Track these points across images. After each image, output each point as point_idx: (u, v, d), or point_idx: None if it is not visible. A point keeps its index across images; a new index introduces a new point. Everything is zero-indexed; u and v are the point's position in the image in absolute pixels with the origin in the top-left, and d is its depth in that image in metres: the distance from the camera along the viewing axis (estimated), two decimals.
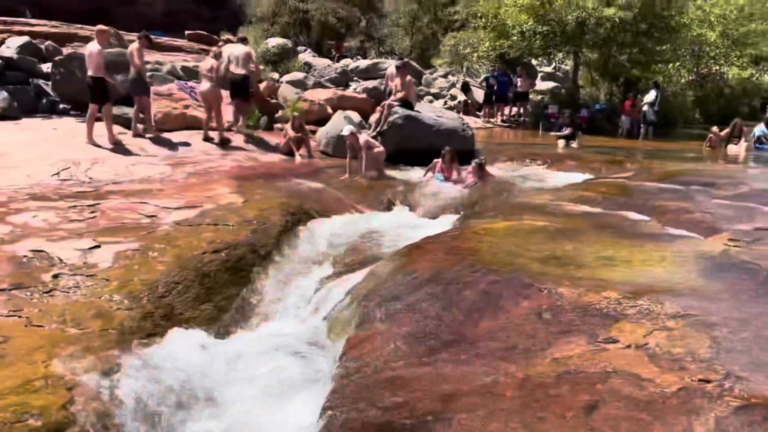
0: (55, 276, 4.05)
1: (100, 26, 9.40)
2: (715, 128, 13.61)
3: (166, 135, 10.00)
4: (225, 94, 10.70)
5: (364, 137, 8.79)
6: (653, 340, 2.55)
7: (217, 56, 10.52)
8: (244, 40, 11.63)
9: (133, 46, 9.64)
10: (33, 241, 4.61)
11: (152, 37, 11.28)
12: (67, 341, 3.29)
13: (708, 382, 2.20)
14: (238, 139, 10.55)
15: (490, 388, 2.41)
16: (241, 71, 10.54)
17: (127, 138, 9.42)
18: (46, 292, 3.83)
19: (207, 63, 10.35)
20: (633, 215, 5.25)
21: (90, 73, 8.95)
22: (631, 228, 4.78)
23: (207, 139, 10.19)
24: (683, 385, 2.21)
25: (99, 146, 8.89)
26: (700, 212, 5.07)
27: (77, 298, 3.82)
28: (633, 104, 16.86)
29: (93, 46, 9.01)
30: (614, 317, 2.80)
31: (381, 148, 8.90)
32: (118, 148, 8.94)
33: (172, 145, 9.67)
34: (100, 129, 8.96)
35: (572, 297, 3.03)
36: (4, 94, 10.40)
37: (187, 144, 9.87)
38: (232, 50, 10.86)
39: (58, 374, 2.98)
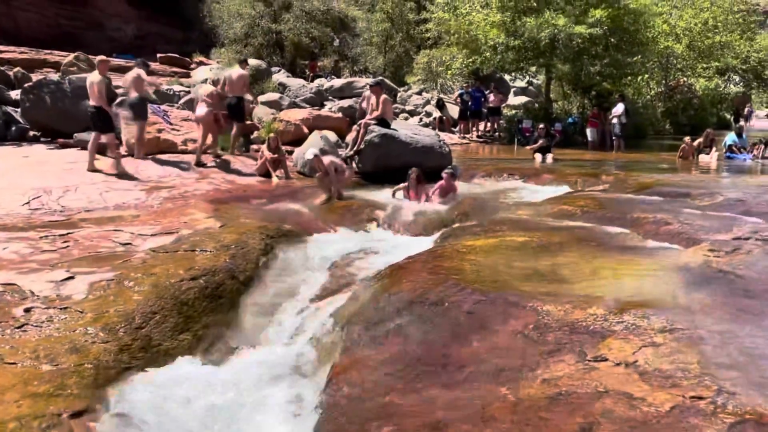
0: (27, 310, 3.91)
1: (101, 57, 9.73)
2: (687, 138, 13.85)
3: (139, 160, 9.86)
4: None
5: (328, 159, 8.65)
6: (642, 357, 2.53)
7: (216, 82, 10.89)
8: (242, 62, 11.82)
9: (133, 74, 9.85)
10: (3, 274, 4.46)
11: (122, 60, 11.31)
12: (40, 379, 3.16)
13: (701, 399, 2.18)
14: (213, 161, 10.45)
15: (481, 414, 2.36)
16: (236, 94, 10.81)
17: (104, 163, 9.25)
18: (18, 327, 3.69)
19: (206, 89, 10.82)
20: (613, 228, 5.28)
21: (92, 102, 9.10)
22: (612, 241, 4.80)
23: (199, 164, 10.19)
24: (676, 403, 2.19)
25: (99, 171, 9.00)
26: (679, 223, 5.10)
27: (51, 333, 3.68)
28: (597, 115, 17.05)
29: (94, 76, 9.19)
30: (602, 334, 2.78)
31: (346, 172, 8.83)
32: (95, 175, 8.79)
33: (146, 170, 9.52)
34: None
35: (558, 314, 3.01)
36: None
37: (162, 167, 9.74)
38: (229, 73, 11.13)
39: (32, 415, 2.85)
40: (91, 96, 9.12)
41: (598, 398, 2.27)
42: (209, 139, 10.54)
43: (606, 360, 2.55)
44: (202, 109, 10.36)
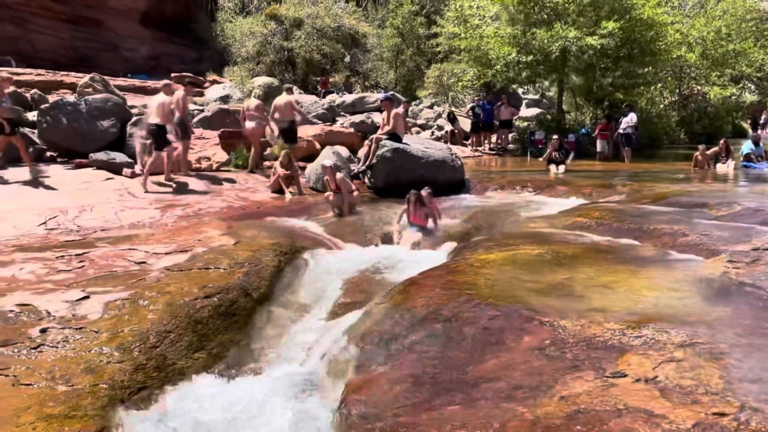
0: (43, 330, 3.92)
1: (166, 81, 10.77)
2: (701, 147, 13.70)
3: (155, 177, 9.94)
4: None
5: (340, 176, 8.63)
6: (662, 373, 2.48)
7: (259, 96, 12.34)
8: (289, 90, 12.45)
9: (178, 95, 10.54)
10: (20, 294, 4.49)
11: (137, 81, 11.61)
12: (56, 400, 3.17)
13: (723, 415, 2.12)
14: (228, 179, 10.53)
15: None
16: (286, 119, 11.48)
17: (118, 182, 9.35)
18: (34, 348, 3.71)
19: (252, 102, 11.69)
20: (628, 240, 5.22)
21: (157, 120, 9.85)
22: (628, 253, 4.74)
23: (252, 170, 11.53)
24: (698, 420, 2.13)
25: (155, 192, 9.56)
26: (696, 234, 5.03)
27: (66, 353, 3.69)
28: (606, 127, 16.92)
29: (162, 97, 10.02)
30: (620, 349, 2.73)
31: (355, 192, 8.71)
32: (110, 194, 8.88)
33: (164, 188, 9.61)
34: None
35: (575, 329, 2.96)
36: None
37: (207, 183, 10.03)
38: (277, 100, 11.79)
39: None
40: (156, 114, 9.89)
41: (618, 416, 2.22)
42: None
43: (625, 376, 2.50)
44: (251, 123, 11.37)
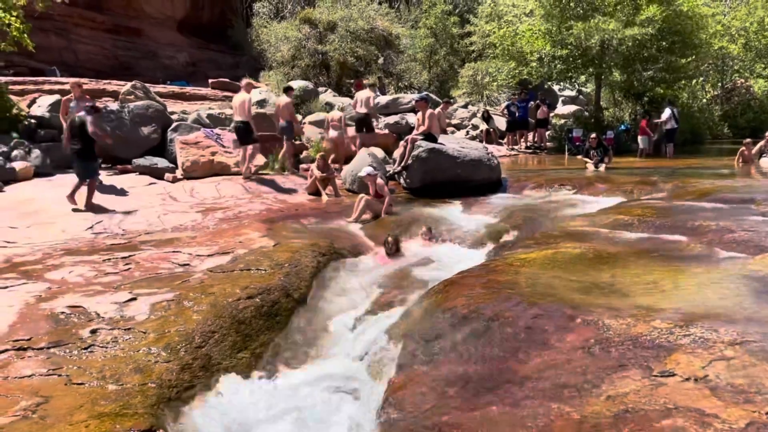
0: (93, 331, 4.05)
1: (248, 80, 11.51)
2: (747, 141, 13.29)
3: (194, 182, 10.15)
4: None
5: (380, 182, 8.66)
6: (713, 372, 2.42)
7: (343, 110, 13.86)
8: (371, 86, 14.09)
9: (282, 100, 11.79)
10: (70, 297, 4.65)
11: (176, 87, 11.94)
12: (107, 398, 3.26)
13: None
14: (266, 181, 10.67)
15: None
16: (362, 110, 12.82)
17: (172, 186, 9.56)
18: (85, 349, 3.83)
19: (336, 114, 12.88)
20: (673, 237, 5.10)
21: (241, 118, 10.63)
22: (672, 251, 4.63)
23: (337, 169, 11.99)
24: (751, 419, 2.08)
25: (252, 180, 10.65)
26: (743, 230, 4.89)
27: (116, 353, 3.80)
28: (648, 123, 16.57)
29: (243, 96, 10.75)
30: (668, 348, 2.68)
31: (386, 199, 8.54)
32: (153, 199, 9.09)
33: (204, 192, 9.80)
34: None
35: (620, 328, 2.91)
36: (37, 152, 10.72)
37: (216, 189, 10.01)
38: (359, 94, 13.06)
39: None
40: (239, 112, 10.64)
41: (668, 415, 2.18)
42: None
43: (674, 375, 2.44)
44: (334, 132, 12.45)
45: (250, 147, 10.79)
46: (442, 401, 2.79)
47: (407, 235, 7.44)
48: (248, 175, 10.79)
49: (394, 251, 6.59)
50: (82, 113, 8.50)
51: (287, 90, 12.68)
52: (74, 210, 8.22)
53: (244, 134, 10.72)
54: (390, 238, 6.70)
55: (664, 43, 16.47)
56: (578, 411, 2.35)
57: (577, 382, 2.57)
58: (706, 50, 18.00)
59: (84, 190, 8.46)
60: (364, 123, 12.98)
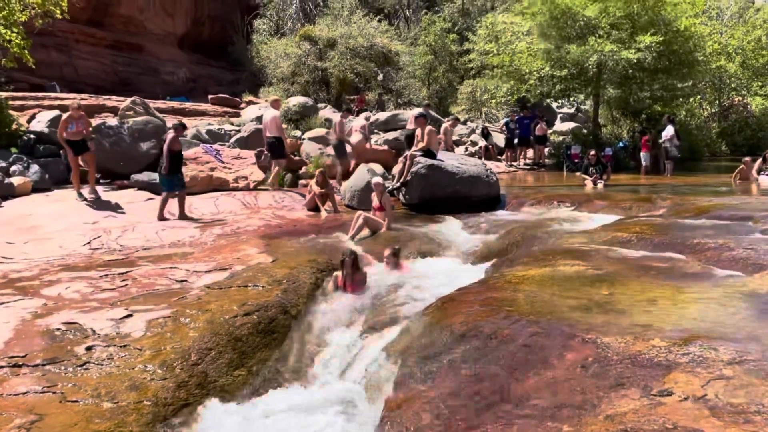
0: (89, 348, 4.02)
1: (275, 96, 12.40)
2: (747, 159, 13.33)
3: (193, 197, 10.14)
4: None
5: (386, 197, 8.72)
6: (711, 391, 2.41)
7: (367, 118, 14.21)
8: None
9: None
10: (66, 313, 4.62)
11: (176, 103, 12.05)
12: (102, 416, 3.24)
13: None
14: (265, 197, 10.69)
15: None
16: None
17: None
18: (80, 366, 3.80)
19: (360, 122, 13.63)
20: (671, 255, 5.09)
21: (273, 134, 11.15)
22: (671, 268, 4.63)
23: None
24: None
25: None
26: (742, 248, 4.89)
27: (111, 370, 3.78)
28: (650, 140, 16.62)
29: (272, 112, 11.32)
30: (666, 366, 2.66)
31: (387, 215, 8.52)
32: (152, 215, 9.10)
33: (202, 207, 9.80)
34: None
35: (619, 347, 2.90)
36: (36, 167, 10.73)
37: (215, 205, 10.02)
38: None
39: None
40: (270, 129, 11.15)
41: None
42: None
43: (672, 394, 2.43)
44: (356, 137, 12.97)
45: (282, 161, 11.26)
46: (439, 421, 2.76)
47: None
48: (275, 187, 11.25)
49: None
50: (171, 133, 9.12)
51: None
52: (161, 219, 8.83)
53: (277, 149, 11.13)
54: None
55: (662, 63, 16.56)
56: (576, 430, 2.33)
57: (575, 401, 2.55)
58: (703, 69, 18.11)
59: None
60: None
